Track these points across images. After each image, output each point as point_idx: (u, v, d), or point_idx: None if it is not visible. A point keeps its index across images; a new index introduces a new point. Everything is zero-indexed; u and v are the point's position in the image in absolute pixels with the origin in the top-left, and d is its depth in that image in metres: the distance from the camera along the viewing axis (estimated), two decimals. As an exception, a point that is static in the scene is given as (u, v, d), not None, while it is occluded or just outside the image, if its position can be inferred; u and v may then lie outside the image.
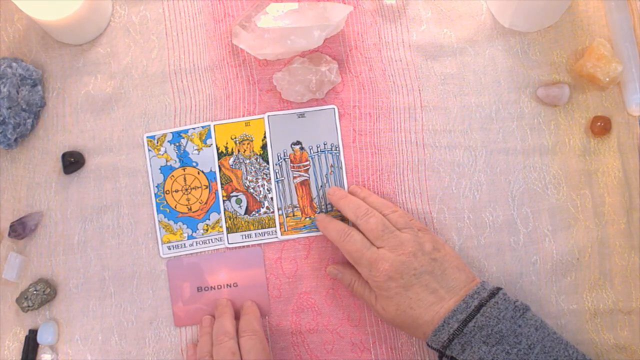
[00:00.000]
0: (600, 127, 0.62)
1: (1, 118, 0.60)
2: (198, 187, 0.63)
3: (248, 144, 0.63)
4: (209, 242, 0.62)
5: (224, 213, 0.62)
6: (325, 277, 0.61)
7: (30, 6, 0.58)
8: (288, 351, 0.61)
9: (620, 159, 0.62)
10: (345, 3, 0.64)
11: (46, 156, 0.64)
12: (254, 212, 0.62)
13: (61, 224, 0.63)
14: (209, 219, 0.62)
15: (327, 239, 0.60)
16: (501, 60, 0.64)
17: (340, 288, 0.61)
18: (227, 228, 0.62)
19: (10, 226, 0.61)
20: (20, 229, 0.61)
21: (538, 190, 0.62)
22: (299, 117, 0.63)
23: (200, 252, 0.62)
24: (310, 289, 0.61)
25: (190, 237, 0.62)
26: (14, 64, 0.61)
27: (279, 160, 0.62)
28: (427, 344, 0.54)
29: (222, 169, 0.63)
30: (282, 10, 0.60)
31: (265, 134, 0.63)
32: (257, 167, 0.62)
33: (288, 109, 0.63)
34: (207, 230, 0.62)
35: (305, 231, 0.62)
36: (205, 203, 0.62)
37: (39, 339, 0.60)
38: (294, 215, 0.62)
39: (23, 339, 0.61)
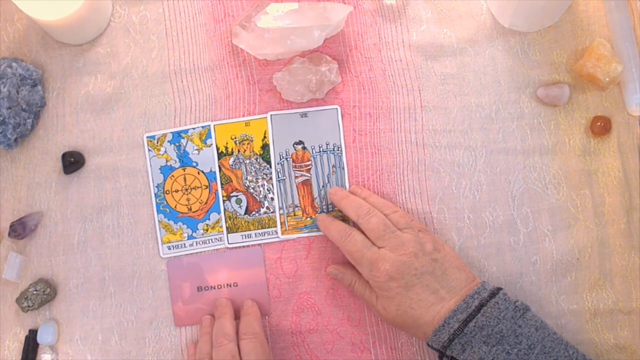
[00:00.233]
0: (600, 127, 0.62)
1: (1, 118, 0.60)
2: (198, 187, 0.63)
3: (248, 144, 0.63)
4: (209, 242, 0.62)
5: (224, 213, 0.62)
6: (325, 277, 0.61)
7: (30, 6, 0.58)
8: (288, 351, 0.61)
9: (620, 159, 0.62)
10: (345, 3, 0.64)
11: (46, 156, 0.64)
12: (254, 212, 0.62)
13: (61, 224, 0.63)
14: (209, 219, 0.62)
15: (327, 239, 0.60)
16: (501, 60, 0.64)
17: (340, 288, 0.61)
18: (227, 228, 0.62)
19: (10, 226, 0.61)
20: (20, 229, 0.61)
21: (538, 190, 0.62)
22: (301, 116, 0.63)
23: (200, 252, 0.62)
24: (310, 289, 0.61)
25: (190, 237, 0.62)
26: (14, 64, 0.61)
27: (280, 159, 0.62)
28: (428, 344, 0.54)
29: (222, 169, 0.63)
30: (282, 10, 0.60)
31: (265, 133, 0.63)
32: (257, 167, 0.62)
33: (288, 109, 0.63)
34: (207, 230, 0.62)
35: (306, 231, 0.62)
36: (205, 203, 0.62)
37: (39, 339, 0.60)
38: (294, 215, 0.62)
39: (23, 339, 0.61)
